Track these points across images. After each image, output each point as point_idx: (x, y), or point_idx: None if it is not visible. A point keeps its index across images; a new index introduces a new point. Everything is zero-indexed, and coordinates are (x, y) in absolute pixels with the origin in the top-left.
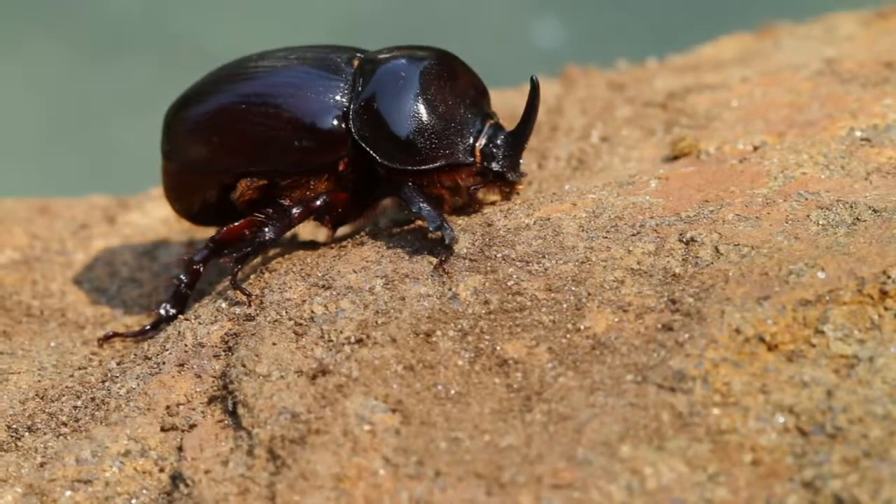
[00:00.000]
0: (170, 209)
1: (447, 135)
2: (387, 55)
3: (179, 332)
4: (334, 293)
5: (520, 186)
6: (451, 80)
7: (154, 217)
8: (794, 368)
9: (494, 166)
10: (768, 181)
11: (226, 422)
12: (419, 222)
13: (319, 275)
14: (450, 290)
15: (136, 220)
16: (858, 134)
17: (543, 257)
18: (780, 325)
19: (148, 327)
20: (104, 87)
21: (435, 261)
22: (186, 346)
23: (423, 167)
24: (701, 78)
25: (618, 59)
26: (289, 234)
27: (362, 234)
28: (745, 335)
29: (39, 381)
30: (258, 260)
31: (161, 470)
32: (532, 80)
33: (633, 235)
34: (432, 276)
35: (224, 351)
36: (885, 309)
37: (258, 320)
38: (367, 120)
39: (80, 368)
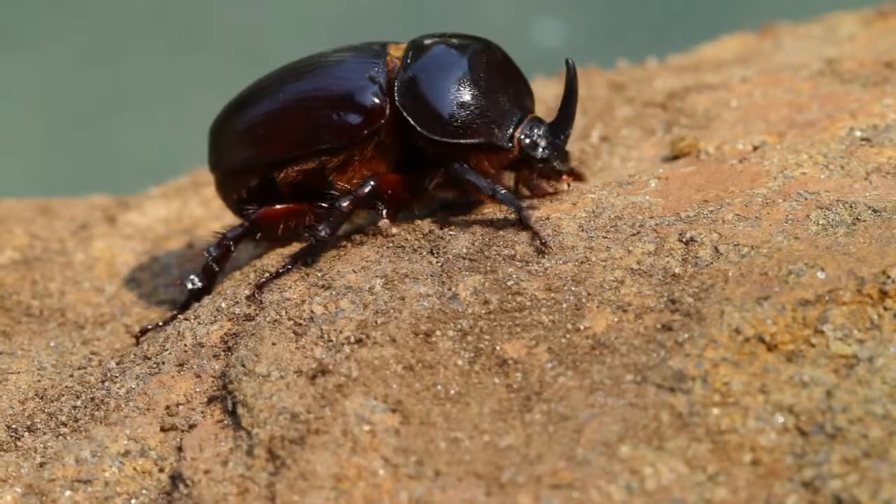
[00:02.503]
0: (170, 209)
1: (487, 114)
2: (438, 38)
3: (179, 331)
4: (334, 293)
5: (568, 179)
6: (498, 68)
7: (154, 217)
8: (794, 368)
9: (539, 153)
10: (768, 181)
11: (225, 422)
12: (416, 222)
13: (319, 275)
14: (449, 289)
15: (136, 220)
16: (858, 134)
17: (543, 257)
18: (780, 325)
19: (177, 309)
20: (104, 86)
21: (435, 260)
22: (186, 346)
23: (460, 140)
24: (701, 78)
25: (618, 59)
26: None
27: (362, 233)
28: (744, 335)
29: (39, 380)
30: (258, 259)
31: (161, 470)
32: (567, 62)
33: (633, 235)
34: (432, 275)
35: (224, 351)
36: (885, 309)
37: (258, 320)
38: (410, 91)
39: (79, 368)
